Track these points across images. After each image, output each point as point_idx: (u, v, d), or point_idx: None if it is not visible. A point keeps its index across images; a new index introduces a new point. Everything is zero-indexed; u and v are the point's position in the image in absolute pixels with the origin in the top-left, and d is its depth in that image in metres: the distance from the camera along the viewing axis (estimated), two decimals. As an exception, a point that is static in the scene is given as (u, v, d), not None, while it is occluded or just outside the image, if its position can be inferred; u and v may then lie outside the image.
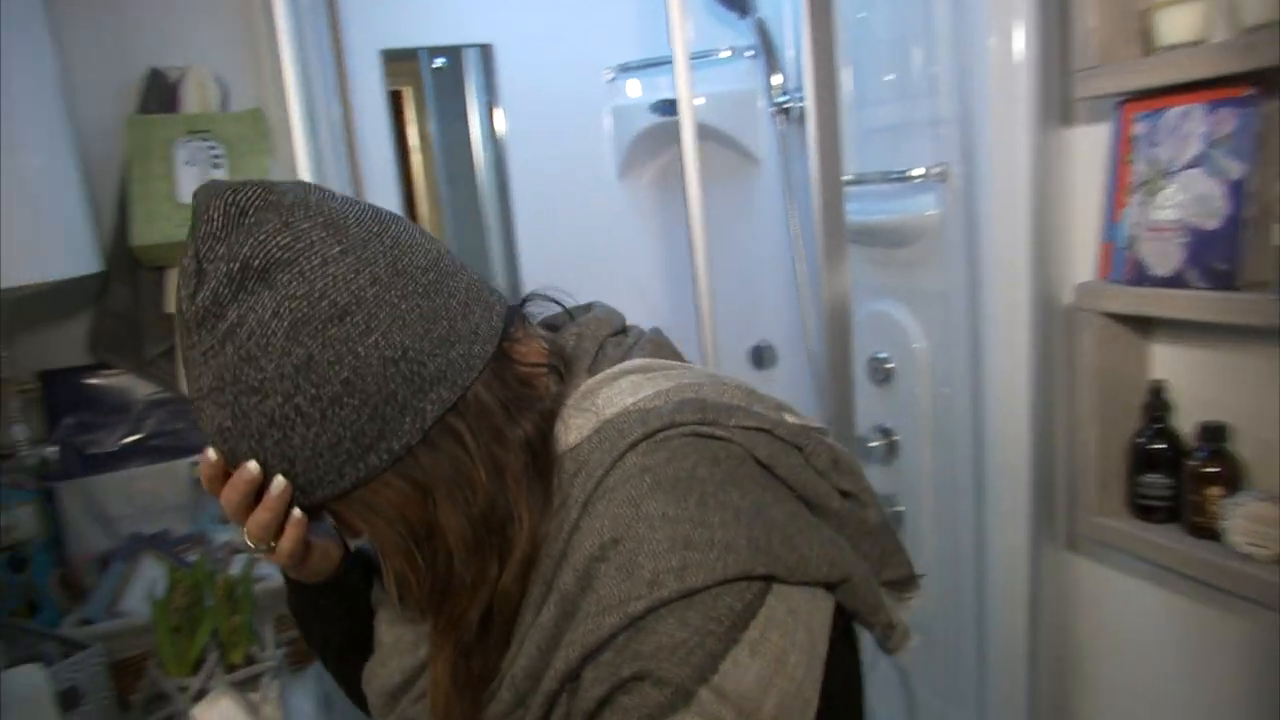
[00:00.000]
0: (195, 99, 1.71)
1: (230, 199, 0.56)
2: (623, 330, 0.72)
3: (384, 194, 1.97)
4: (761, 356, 2.39)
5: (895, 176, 1.74)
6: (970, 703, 1.70)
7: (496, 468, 0.58)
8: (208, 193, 0.57)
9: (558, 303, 0.73)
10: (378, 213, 0.60)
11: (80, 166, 1.55)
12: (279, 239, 0.55)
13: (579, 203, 2.23)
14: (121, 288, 1.70)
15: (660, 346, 0.72)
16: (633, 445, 0.58)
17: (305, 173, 1.42)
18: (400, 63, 2.11)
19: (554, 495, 0.60)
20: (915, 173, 1.68)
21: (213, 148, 1.66)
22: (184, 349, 0.58)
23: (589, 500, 0.58)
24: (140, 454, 1.74)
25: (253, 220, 0.56)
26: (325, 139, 1.56)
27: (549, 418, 0.62)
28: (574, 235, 2.22)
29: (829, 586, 0.60)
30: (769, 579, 0.55)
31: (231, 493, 0.58)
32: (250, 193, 0.56)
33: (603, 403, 0.61)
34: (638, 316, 0.75)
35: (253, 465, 0.57)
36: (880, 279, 1.87)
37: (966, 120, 1.53)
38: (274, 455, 0.57)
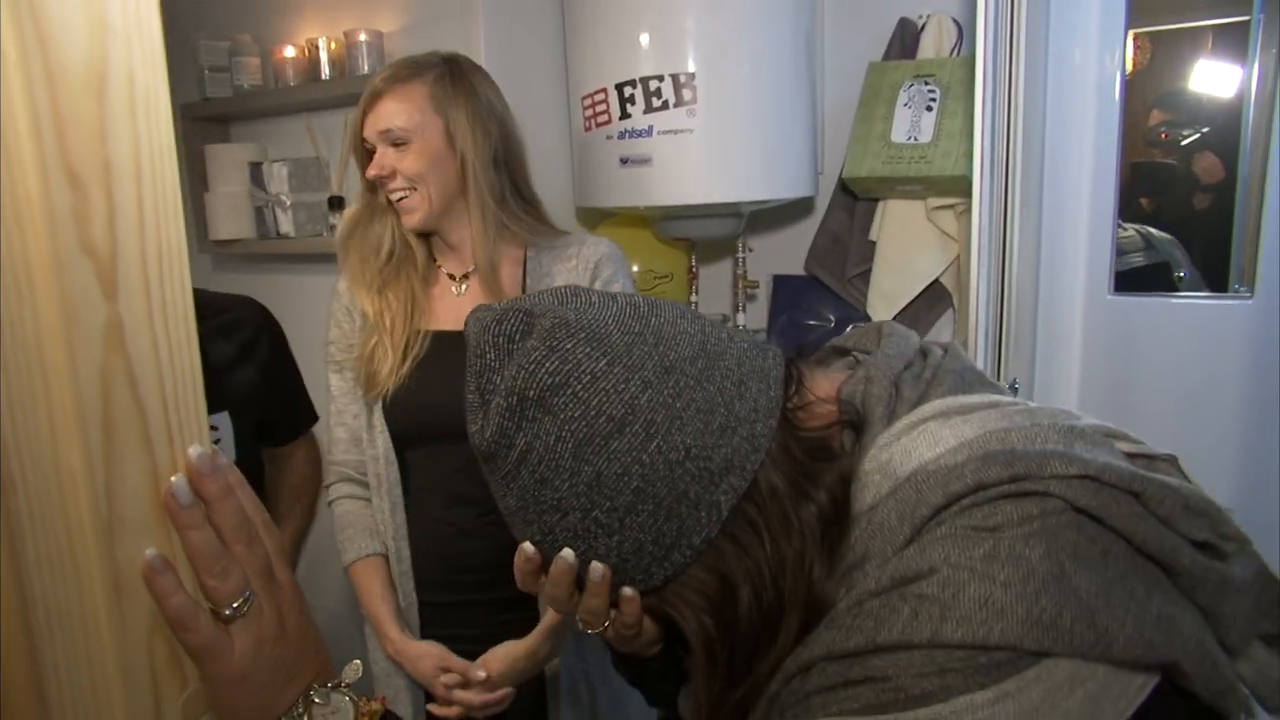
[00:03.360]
0: (932, 44, 1.83)
1: (496, 329, 0.59)
2: (918, 358, 0.65)
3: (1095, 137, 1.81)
4: None
5: None
6: None
7: (789, 552, 0.58)
8: (477, 325, 0.61)
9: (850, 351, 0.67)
10: (636, 307, 0.60)
11: (812, 107, 1.83)
12: (547, 365, 0.56)
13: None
14: (839, 213, 1.96)
15: (962, 375, 0.63)
16: (935, 513, 0.54)
17: (980, 114, 1.46)
18: None
19: (844, 556, 0.58)
20: None
21: (931, 91, 1.77)
22: (486, 474, 0.61)
23: (884, 572, 0.55)
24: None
25: (519, 347, 0.58)
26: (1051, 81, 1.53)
27: (844, 483, 0.59)
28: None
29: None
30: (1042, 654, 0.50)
31: (554, 588, 0.61)
32: (513, 320, 0.59)
33: (900, 458, 0.57)
34: None
35: (568, 554, 0.59)
36: None
37: None
38: (584, 562, 0.59)
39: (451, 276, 1.42)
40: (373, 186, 1.36)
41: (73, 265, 0.44)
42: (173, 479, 0.48)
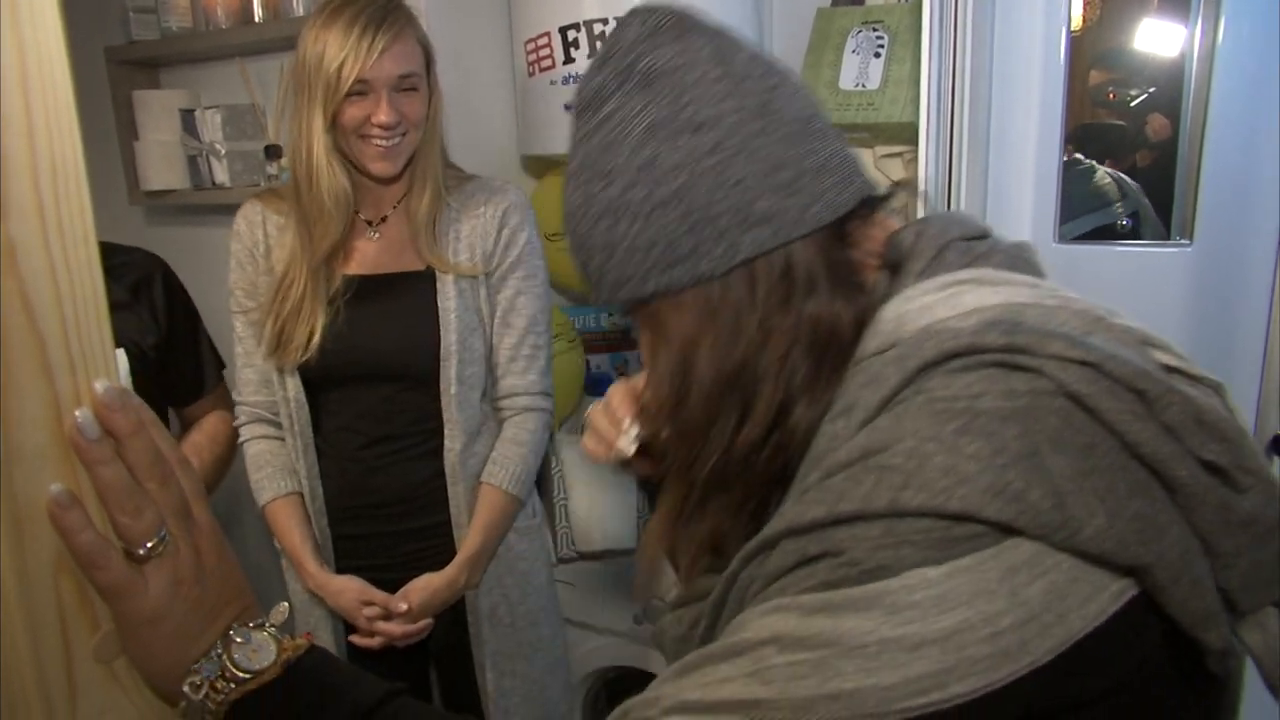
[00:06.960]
0: (883, -11, 1.81)
1: (649, 15, 0.61)
2: (978, 237, 0.63)
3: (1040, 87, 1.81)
4: None
5: None
6: None
7: (767, 331, 0.58)
8: (634, 9, 0.63)
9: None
10: (772, 64, 0.61)
11: (761, 52, 1.80)
12: (670, 49, 0.59)
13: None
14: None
15: (1018, 261, 0.62)
16: (923, 368, 0.52)
17: (927, 61, 1.45)
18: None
19: (836, 397, 0.57)
20: None
21: (879, 37, 1.76)
22: (571, 133, 0.64)
23: (869, 421, 0.53)
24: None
25: (657, 34, 0.60)
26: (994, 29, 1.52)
27: (860, 314, 0.59)
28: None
29: (1130, 571, 0.48)
30: (1008, 529, 0.47)
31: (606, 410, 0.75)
32: (667, 13, 0.61)
33: (916, 313, 0.56)
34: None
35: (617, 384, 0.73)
36: None
37: None
38: (600, 242, 0.61)
39: (369, 222, 1.42)
40: (330, 131, 1.30)
41: (-45, 181, 0.41)
42: (77, 413, 0.45)
